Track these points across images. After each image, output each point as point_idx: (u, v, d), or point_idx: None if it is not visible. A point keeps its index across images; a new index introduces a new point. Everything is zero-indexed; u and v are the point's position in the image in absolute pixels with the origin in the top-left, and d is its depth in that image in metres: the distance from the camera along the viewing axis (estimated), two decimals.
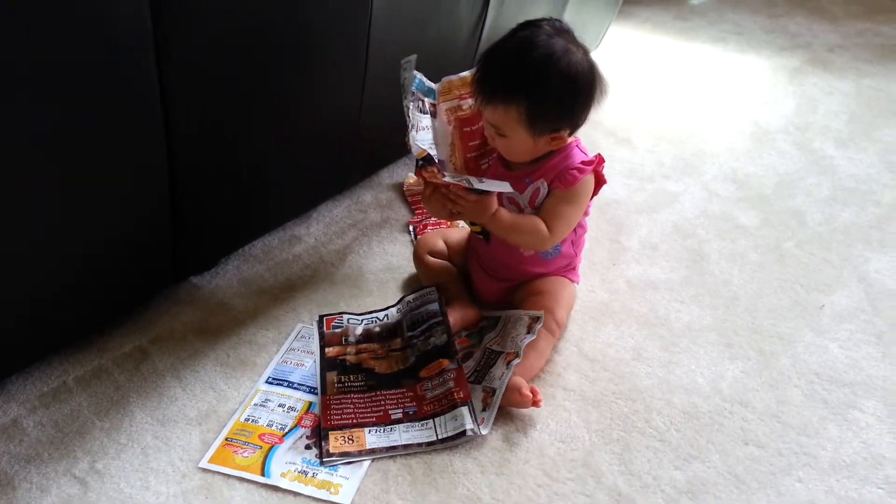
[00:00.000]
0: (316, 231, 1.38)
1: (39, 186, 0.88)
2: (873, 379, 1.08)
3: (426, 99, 1.11)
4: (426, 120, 1.12)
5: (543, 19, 1.02)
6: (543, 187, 1.07)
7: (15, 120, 0.81)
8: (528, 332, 1.04)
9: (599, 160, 1.08)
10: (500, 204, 1.09)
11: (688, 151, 1.67)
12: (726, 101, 1.92)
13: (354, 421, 0.99)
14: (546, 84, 0.98)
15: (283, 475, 0.93)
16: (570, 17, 1.74)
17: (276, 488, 0.91)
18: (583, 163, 1.06)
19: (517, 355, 1.01)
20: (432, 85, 1.11)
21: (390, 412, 1.00)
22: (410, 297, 1.17)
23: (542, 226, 1.06)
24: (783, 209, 1.47)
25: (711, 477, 0.93)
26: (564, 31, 1.01)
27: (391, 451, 0.95)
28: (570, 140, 1.07)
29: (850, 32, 2.34)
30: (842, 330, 1.17)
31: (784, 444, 0.98)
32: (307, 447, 0.97)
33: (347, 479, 0.92)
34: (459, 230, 1.30)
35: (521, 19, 1.05)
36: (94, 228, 0.98)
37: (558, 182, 1.05)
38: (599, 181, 1.09)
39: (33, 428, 0.99)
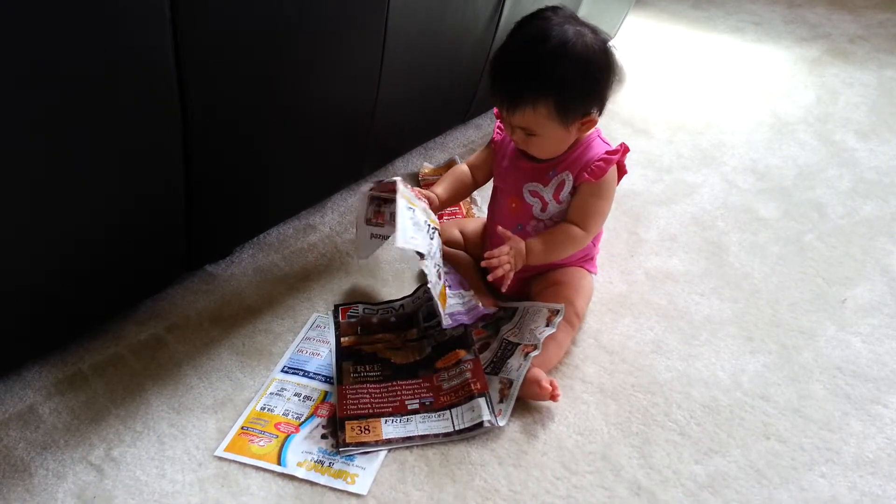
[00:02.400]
0: (331, 220, 1.38)
1: (54, 173, 0.87)
2: None
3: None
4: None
5: (544, 9, 1.01)
6: (569, 179, 1.06)
7: (32, 106, 0.80)
8: (548, 325, 1.03)
9: (624, 149, 1.06)
10: (521, 202, 1.08)
11: (706, 142, 1.65)
12: (745, 91, 1.90)
13: (371, 411, 0.99)
14: (568, 73, 0.97)
15: (299, 465, 0.92)
16: (587, 7, 1.72)
17: (292, 477, 0.91)
18: (608, 153, 1.05)
19: (535, 347, 1.00)
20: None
21: (407, 403, 1.00)
22: (426, 287, 1.16)
23: (574, 230, 1.05)
24: (804, 201, 1.45)
25: (732, 471, 0.92)
26: (569, 16, 0.99)
27: (408, 442, 0.95)
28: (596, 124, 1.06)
29: (871, 23, 2.30)
30: (864, 324, 1.15)
31: (806, 439, 0.96)
32: (323, 437, 0.96)
33: (364, 470, 0.92)
34: (475, 220, 1.29)
35: (540, 6, 1.03)
36: (109, 216, 0.98)
37: (586, 174, 1.04)
38: (620, 171, 1.08)
39: (49, 415, 0.98)
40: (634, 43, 2.14)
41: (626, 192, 1.45)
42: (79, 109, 0.85)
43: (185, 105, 0.96)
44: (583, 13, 1.71)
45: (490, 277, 1.04)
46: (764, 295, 1.21)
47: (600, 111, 1.04)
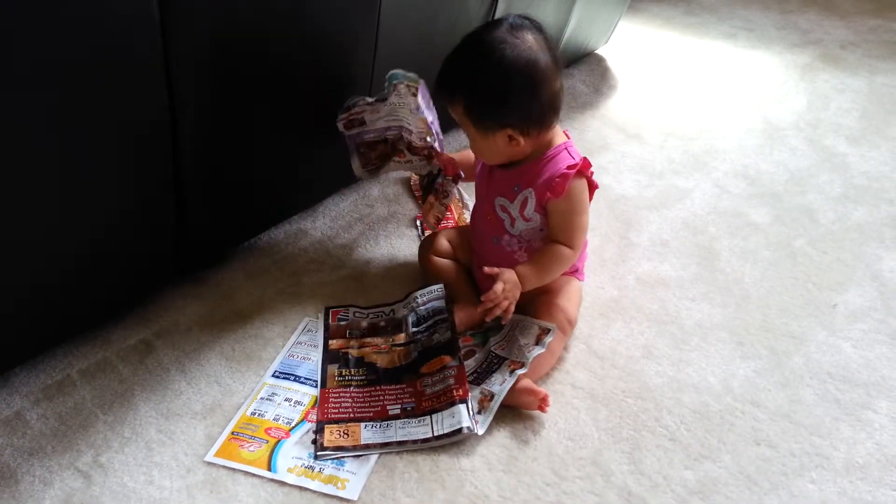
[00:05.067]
0: (322, 225, 1.37)
1: (42, 175, 0.87)
2: (887, 379, 1.06)
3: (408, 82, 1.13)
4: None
5: (507, 16, 1.02)
6: (531, 197, 1.05)
7: (20, 107, 0.80)
8: (538, 344, 1.02)
9: (585, 163, 1.04)
10: (495, 215, 1.09)
11: (698, 148, 1.65)
12: (737, 97, 1.90)
13: (351, 415, 0.98)
14: (475, 77, 1.00)
15: (289, 470, 0.92)
16: (579, 13, 1.72)
17: (281, 483, 0.90)
18: (568, 167, 1.03)
19: (523, 365, 0.99)
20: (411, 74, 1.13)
21: (388, 408, 0.99)
22: (417, 294, 1.16)
23: (561, 249, 1.06)
24: (795, 206, 1.45)
25: (723, 477, 0.92)
26: (513, 27, 0.99)
27: (386, 448, 0.94)
28: (559, 142, 1.06)
29: (862, 29, 2.31)
30: (855, 329, 1.15)
31: (796, 445, 0.96)
32: (313, 442, 0.95)
33: (354, 475, 0.91)
34: (465, 228, 1.29)
35: (531, 11, 1.04)
36: (99, 220, 0.97)
37: (547, 192, 1.03)
38: (591, 187, 1.07)
39: (37, 420, 0.98)
40: (627, 49, 2.15)
41: (618, 197, 1.45)
42: (65, 113, 0.84)
43: (174, 109, 0.96)
44: (574, 19, 1.72)
45: (488, 318, 1.03)
46: (755, 300, 1.21)
47: (521, 130, 1.01)
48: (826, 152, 1.64)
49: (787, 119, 1.78)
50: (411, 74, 1.12)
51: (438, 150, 1.20)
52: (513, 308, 1.04)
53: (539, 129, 1.02)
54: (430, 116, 1.15)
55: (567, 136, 1.09)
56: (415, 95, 1.11)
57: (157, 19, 0.87)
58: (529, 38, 0.99)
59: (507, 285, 1.02)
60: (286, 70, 1.09)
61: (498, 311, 1.03)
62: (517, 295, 1.04)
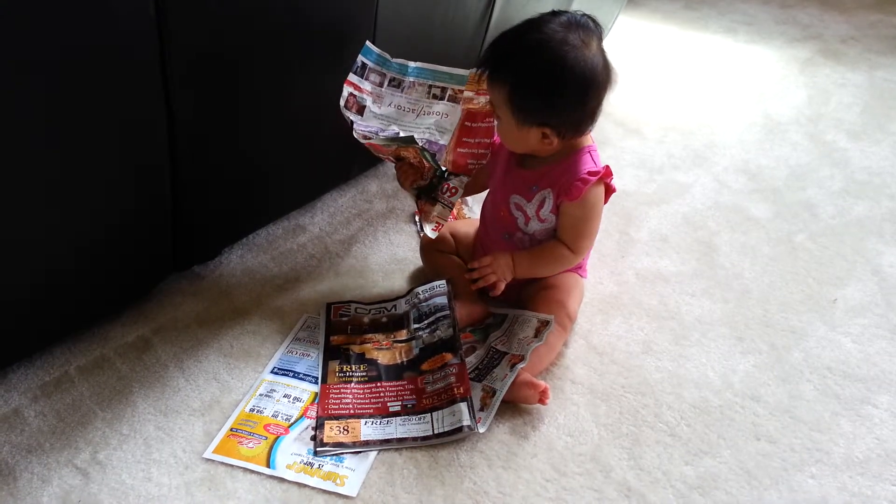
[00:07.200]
0: (321, 221, 1.37)
1: (39, 172, 0.86)
2: (887, 374, 1.06)
3: (451, 85, 1.12)
4: (439, 106, 1.12)
5: (575, 12, 1.00)
6: (549, 198, 1.05)
7: (17, 107, 0.79)
8: (536, 337, 1.02)
9: (607, 171, 1.04)
10: (508, 213, 1.09)
11: (698, 142, 1.65)
12: (737, 92, 1.90)
13: (352, 411, 0.98)
14: (530, 67, 0.97)
15: (288, 466, 0.91)
16: (578, 6, 1.71)
17: (280, 480, 0.90)
18: (589, 172, 1.02)
19: (523, 359, 0.99)
20: (462, 72, 1.11)
21: (389, 404, 0.99)
22: (420, 290, 1.15)
23: (563, 249, 1.07)
24: (795, 201, 1.45)
25: (722, 472, 0.92)
26: (579, 26, 0.97)
27: (385, 445, 0.94)
28: (584, 144, 1.05)
29: (863, 24, 2.31)
30: (855, 324, 1.15)
31: (796, 440, 0.96)
32: (312, 438, 0.95)
33: (353, 471, 0.91)
34: (466, 222, 1.28)
35: (529, 9, 1.03)
36: (96, 216, 0.97)
37: (564, 194, 1.03)
38: (609, 190, 1.07)
39: (35, 418, 0.97)
40: (627, 43, 2.14)
41: (618, 193, 1.42)
42: (61, 109, 0.84)
43: (171, 107, 0.96)
44: None
45: (473, 287, 1.08)
46: (755, 295, 1.20)
47: (560, 133, 1.01)
48: (826, 147, 1.64)
49: (787, 114, 1.78)
50: (403, 62, 1.12)
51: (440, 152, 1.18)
52: (502, 286, 1.07)
53: (574, 134, 1.02)
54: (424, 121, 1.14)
55: (591, 138, 1.08)
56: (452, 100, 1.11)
57: (154, 18, 0.86)
58: (594, 46, 0.97)
59: (496, 261, 1.06)
60: (283, 67, 1.08)
61: (482, 283, 1.07)
62: (507, 276, 1.07)
